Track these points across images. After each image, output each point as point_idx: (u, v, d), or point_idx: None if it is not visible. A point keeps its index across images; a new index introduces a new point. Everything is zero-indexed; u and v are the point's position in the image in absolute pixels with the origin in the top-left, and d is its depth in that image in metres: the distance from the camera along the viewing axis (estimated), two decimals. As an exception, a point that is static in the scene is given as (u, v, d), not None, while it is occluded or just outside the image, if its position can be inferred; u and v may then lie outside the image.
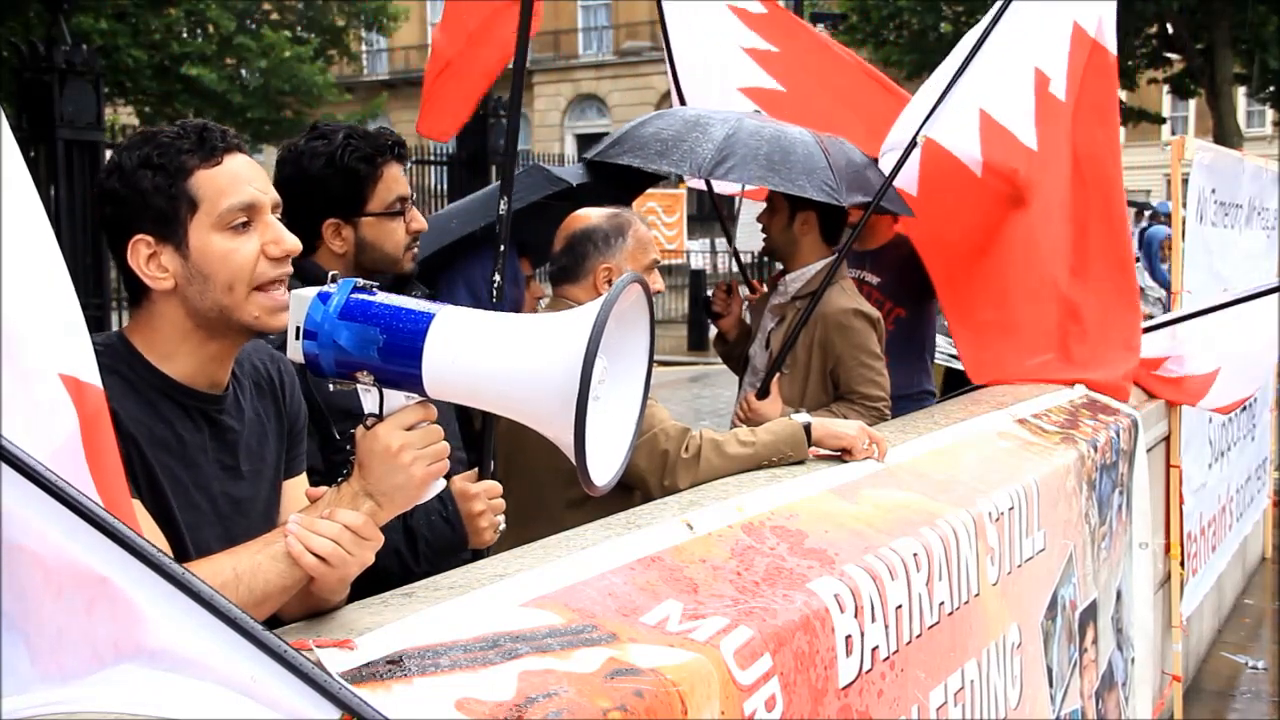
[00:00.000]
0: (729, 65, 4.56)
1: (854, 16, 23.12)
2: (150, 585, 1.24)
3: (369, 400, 1.60)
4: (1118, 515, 3.75)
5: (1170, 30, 22.60)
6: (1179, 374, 4.53)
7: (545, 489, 2.72)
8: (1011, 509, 2.83)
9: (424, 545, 2.29)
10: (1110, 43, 4.13)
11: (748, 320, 4.07)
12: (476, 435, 2.83)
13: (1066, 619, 3.22)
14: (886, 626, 2.18)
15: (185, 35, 20.67)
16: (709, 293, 4.32)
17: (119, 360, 1.70)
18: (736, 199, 4.71)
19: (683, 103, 4.45)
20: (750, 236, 4.69)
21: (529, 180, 3.49)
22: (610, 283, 2.83)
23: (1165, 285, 9.01)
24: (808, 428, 2.71)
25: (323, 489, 1.66)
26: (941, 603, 2.42)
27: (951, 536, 2.50)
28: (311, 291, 1.57)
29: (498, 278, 2.53)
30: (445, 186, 11.62)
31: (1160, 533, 4.55)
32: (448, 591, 1.74)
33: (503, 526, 2.35)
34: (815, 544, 2.22)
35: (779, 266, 3.82)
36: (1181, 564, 4.74)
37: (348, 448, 1.64)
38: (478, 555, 2.17)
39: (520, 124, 3.17)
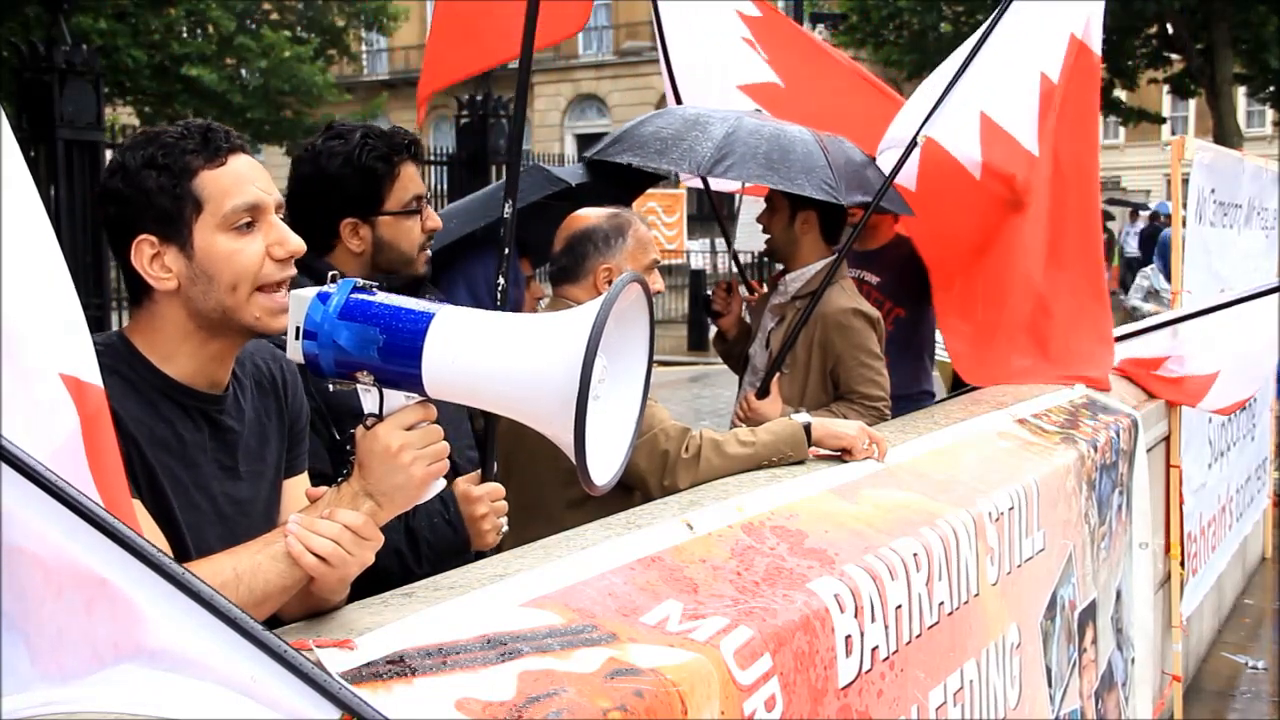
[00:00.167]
0: (729, 62, 4.56)
1: (854, 16, 23.13)
2: (150, 585, 1.24)
3: (369, 400, 1.60)
4: (1117, 515, 3.75)
5: (1170, 30, 22.60)
6: (1179, 374, 4.53)
7: (545, 489, 2.72)
8: (1011, 509, 2.83)
9: (426, 547, 2.29)
10: (1095, 44, 4.13)
11: (747, 320, 4.08)
12: (479, 435, 2.83)
13: (1066, 619, 3.22)
14: (886, 626, 2.18)
15: (185, 35, 20.67)
16: (709, 291, 4.32)
17: (119, 360, 1.70)
18: (736, 199, 4.71)
19: (679, 102, 4.44)
20: (750, 236, 4.69)
21: (529, 180, 3.49)
22: (610, 283, 2.83)
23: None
24: (808, 428, 2.71)
25: (323, 489, 1.66)
26: (941, 603, 2.42)
27: (951, 536, 2.50)
28: (311, 291, 1.57)
29: (501, 280, 2.53)
30: (445, 186, 11.63)
31: (1160, 533, 4.55)
32: (448, 591, 1.74)
33: (505, 529, 2.35)
34: (815, 544, 2.22)
35: (779, 266, 3.82)
36: (1181, 564, 4.74)
37: (348, 448, 1.64)
38: (479, 556, 2.17)
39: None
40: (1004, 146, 3.87)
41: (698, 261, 20.12)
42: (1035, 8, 3.91)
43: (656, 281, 2.97)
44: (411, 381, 1.53)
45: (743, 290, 4.13)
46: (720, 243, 19.52)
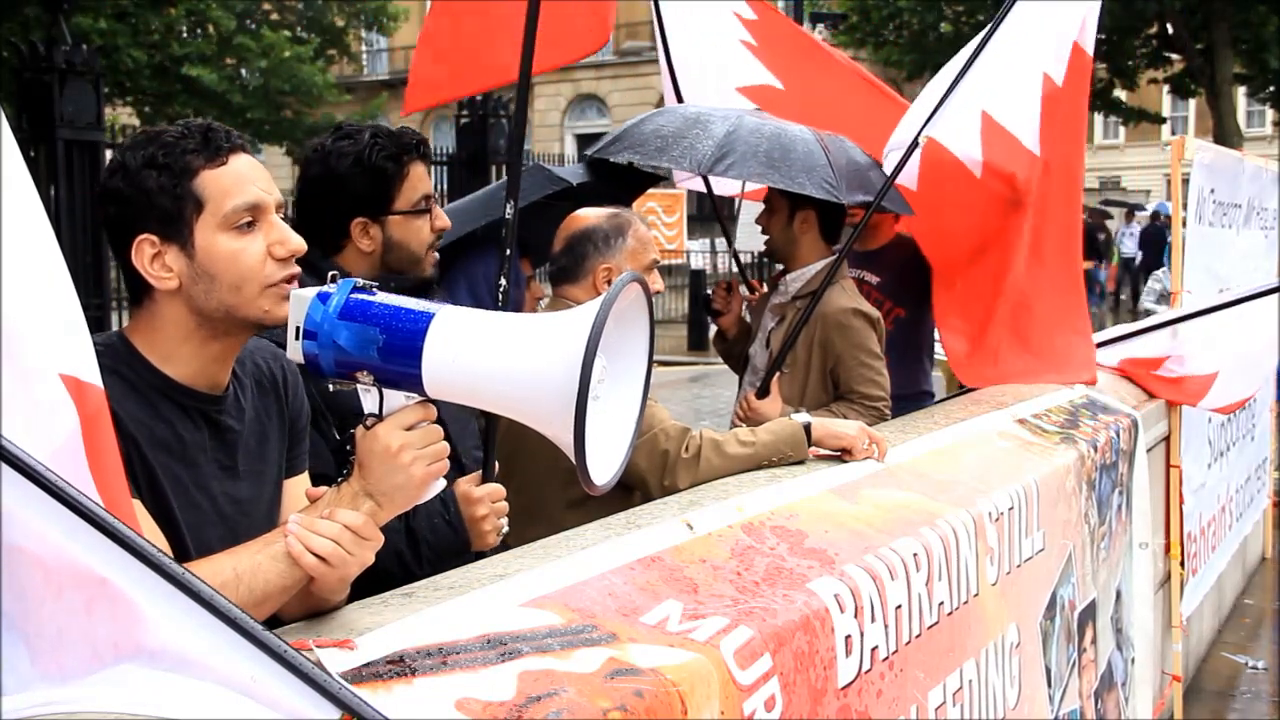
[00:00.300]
0: (728, 64, 4.56)
1: (854, 16, 23.13)
2: (150, 585, 1.24)
3: (369, 400, 1.60)
4: (1117, 515, 3.75)
5: (1170, 30, 22.61)
6: (1179, 374, 4.53)
7: (545, 489, 2.72)
8: (1011, 509, 2.83)
9: (426, 548, 2.29)
10: (1089, 44, 4.14)
11: (747, 319, 4.08)
12: (480, 435, 2.83)
13: (1065, 619, 3.22)
14: (886, 626, 2.18)
15: (185, 35, 20.68)
16: (709, 291, 4.32)
17: (119, 360, 1.70)
18: (736, 199, 4.70)
19: (680, 102, 4.44)
20: (750, 236, 4.69)
21: (530, 180, 3.49)
22: (609, 283, 2.83)
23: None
24: (808, 427, 2.71)
25: (323, 489, 1.66)
26: (941, 603, 2.42)
27: (951, 536, 2.50)
28: (311, 291, 1.57)
29: (503, 282, 2.53)
30: (445, 186, 11.63)
31: (1160, 533, 4.55)
32: (448, 591, 1.74)
33: (505, 529, 2.35)
34: (815, 544, 2.22)
35: (779, 266, 3.82)
36: (1181, 564, 4.74)
37: (348, 448, 1.64)
38: (479, 557, 2.17)
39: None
40: (1005, 146, 3.87)
41: (698, 261, 20.12)
42: (1038, 8, 3.90)
43: (656, 281, 2.96)
44: (411, 381, 1.53)
45: (744, 290, 4.13)
46: (720, 243, 19.52)
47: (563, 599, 1.74)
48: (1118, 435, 3.75)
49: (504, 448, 2.54)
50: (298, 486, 1.91)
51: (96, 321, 8.65)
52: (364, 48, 33.59)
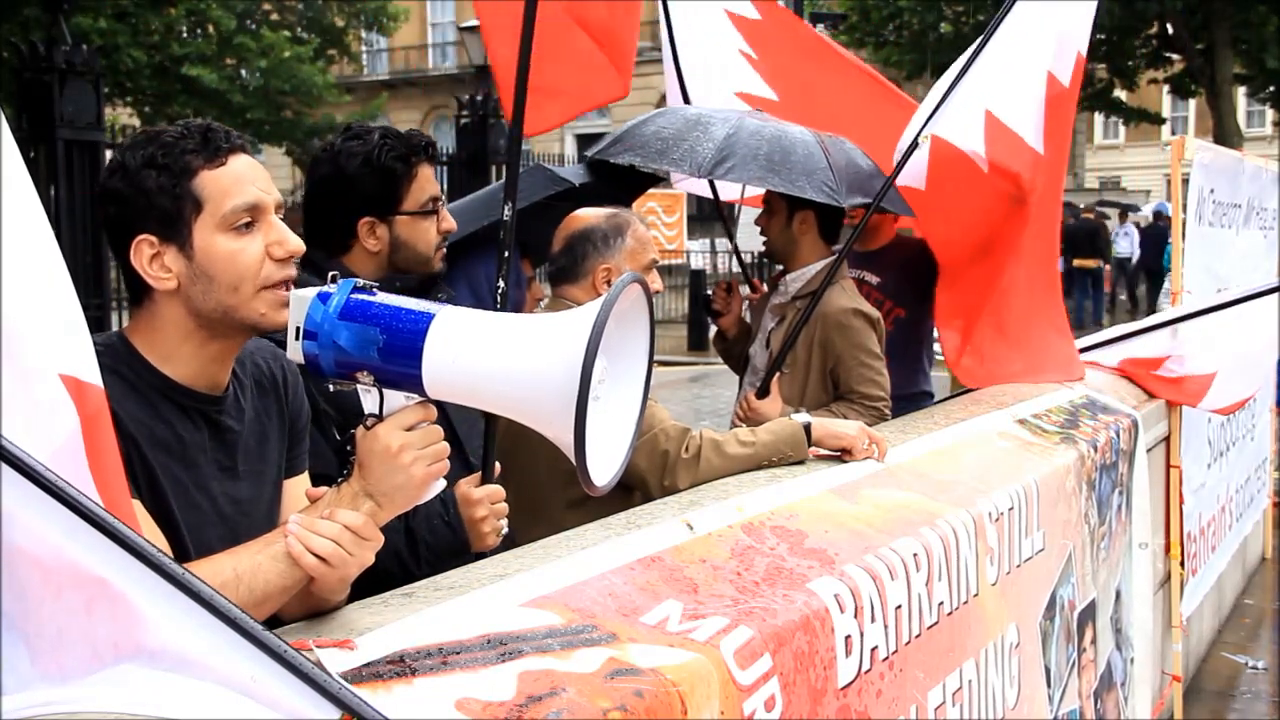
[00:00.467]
0: (728, 67, 4.56)
1: (854, 16, 23.15)
2: (150, 585, 1.24)
3: (369, 400, 1.60)
4: (1117, 515, 3.75)
5: (1170, 30, 22.62)
6: (1179, 374, 4.53)
7: (545, 489, 2.72)
8: (1011, 509, 2.83)
9: (425, 549, 2.29)
10: (1084, 45, 4.14)
11: (748, 319, 4.08)
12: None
13: (1065, 619, 3.22)
14: (886, 627, 2.18)
15: (185, 35, 20.68)
16: (709, 291, 4.32)
17: (119, 360, 1.70)
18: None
19: (686, 102, 4.44)
20: (750, 237, 4.69)
21: (531, 180, 3.49)
22: (609, 283, 2.83)
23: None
24: (808, 428, 2.71)
25: (323, 489, 1.66)
26: (941, 603, 2.42)
27: (951, 536, 2.50)
28: (311, 292, 1.57)
29: (502, 283, 2.54)
30: (445, 186, 11.65)
31: (1160, 533, 4.55)
32: (448, 591, 1.74)
33: (505, 530, 2.35)
34: (815, 544, 2.22)
35: (779, 267, 3.82)
36: (1181, 564, 4.74)
37: (348, 448, 1.64)
38: (479, 557, 2.17)
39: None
40: (1009, 144, 3.86)
41: (698, 261, 20.12)
42: (1038, 7, 3.90)
43: (655, 281, 2.96)
44: (412, 382, 1.53)
45: (746, 289, 4.13)
46: (720, 243, 19.52)
47: (563, 599, 1.74)
48: (1118, 435, 3.75)
49: (504, 447, 2.54)
50: (298, 486, 1.91)
51: (96, 321, 8.65)
52: (364, 48, 33.58)
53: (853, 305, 3.58)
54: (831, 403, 3.54)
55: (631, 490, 2.65)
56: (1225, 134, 20.64)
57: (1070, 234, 20.93)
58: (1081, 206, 23.84)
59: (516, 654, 1.53)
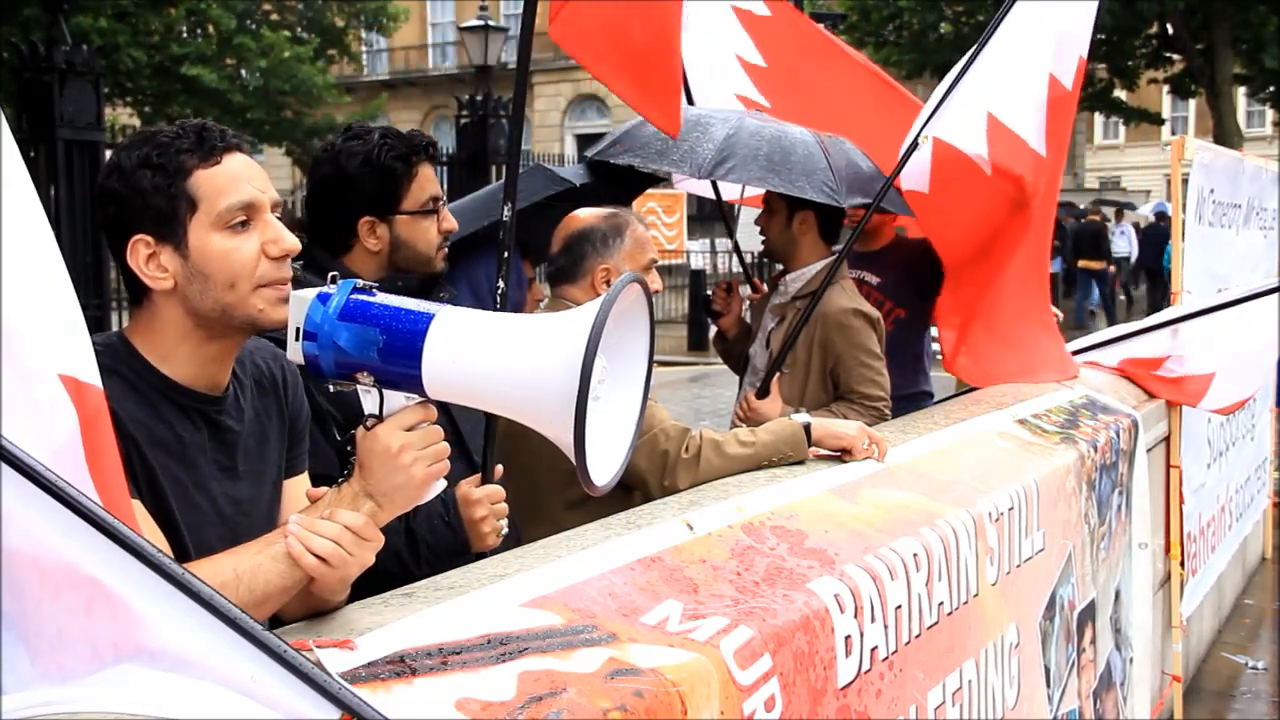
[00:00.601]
0: (727, 68, 4.56)
1: (854, 16, 23.14)
2: (150, 585, 1.24)
3: (369, 401, 1.60)
4: (1117, 515, 3.75)
5: (1170, 30, 22.62)
6: (1179, 374, 4.53)
7: (545, 490, 2.72)
8: (1011, 509, 2.83)
9: (425, 549, 2.29)
10: (1085, 45, 4.13)
11: (748, 320, 4.08)
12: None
13: (1065, 619, 3.22)
14: (886, 627, 2.18)
15: (185, 35, 20.68)
16: (709, 292, 4.32)
17: (119, 360, 1.70)
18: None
19: (690, 101, 4.44)
20: (750, 236, 4.69)
21: (531, 181, 3.49)
22: (608, 283, 2.83)
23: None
24: (807, 428, 2.71)
25: (323, 489, 1.66)
26: (941, 603, 2.42)
27: (951, 536, 2.50)
28: (311, 292, 1.57)
29: (501, 284, 2.54)
30: (445, 186, 11.65)
31: (1160, 533, 4.55)
32: (448, 591, 1.74)
33: (505, 531, 2.35)
34: (815, 544, 2.22)
35: (779, 267, 3.82)
36: (1181, 564, 4.74)
37: (348, 449, 1.64)
38: (479, 557, 2.17)
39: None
40: (1011, 146, 3.86)
41: (698, 261, 20.11)
42: (1039, 7, 3.90)
43: (655, 281, 2.96)
44: (411, 382, 1.53)
45: (747, 289, 4.13)
46: (721, 243, 19.52)
47: (563, 599, 1.74)
48: (1118, 435, 3.75)
49: (504, 448, 2.54)
50: (298, 487, 1.91)
51: (96, 321, 8.66)
52: (364, 48, 33.59)
53: (853, 305, 3.58)
54: (831, 403, 3.54)
55: (631, 490, 2.65)
56: (1225, 134, 20.64)
57: (1075, 235, 20.94)
58: (1082, 207, 23.84)
59: (516, 654, 1.53)
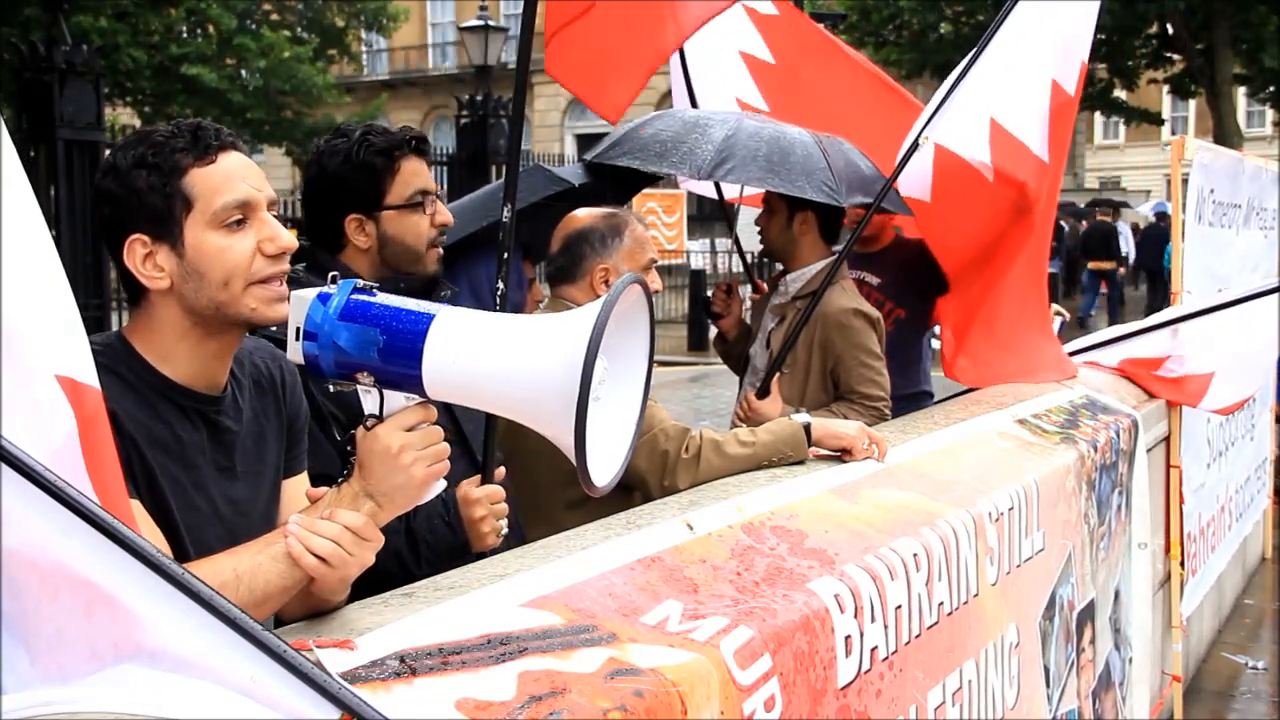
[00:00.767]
0: (731, 70, 4.56)
1: (854, 16, 23.13)
2: (150, 585, 1.24)
3: (369, 401, 1.60)
4: (1117, 515, 3.76)
5: (1170, 30, 22.63)
6: (1179, 374, 4.53)
7: (545, 490, 2.72)
8: (1011, 509, 2.83)
9: (425, 549, 2.29)
10: (1085, 50, 4.13)
11: (748, 320, 4.08)
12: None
13: (1064, 619, 3.22)
14: (886, 627, 2.18)
15: (185, 35, 20.69)
16: (709, 293, 4.32)
17: (118, 361, 1.70)
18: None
19: (694, 103, 4.44)
20: (749, 237, 4.70)
21: (530, 181, 3.49)
22: (607, 283, 2.83)
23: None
24: (807, 428, 2.71)
25: (323, 489, 1.66)
26: (941, 603, 2.42)
27: (951, 536, 2.50)
28: (311, 292, 1.57)
29: (500, 284, 2.54)
30: (445, 186, 11.66)
31: (1160, 533, 4.55)
32: (448, 591, 1.74)
33: (505, 531, 2.35)
34: (815, 544, 2.22)
35: (779, 267, 3.82)
36: (1181, 564, 4.74)
37: (348, 449, 1.64)
38: (480, 557, 2.17)
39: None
40: (1013, 152, 3.85)
41: (698, 261, 20.11)
42: (1039, 8, 3.89)
43: (654, 281, 2.96)
44: (412, 382, 1.53)
45: (748, 289, 4.13)
46: (721, 243, 19.50)
47: (563, 599, 1.74)
48: (1118, 435, 3.75)
49: (504, 448, 2.54)
50: (297, 487, 1.91)
51: (96, 321, 8.66)
52: (364, 48, 33.60)
53: (853, 305, 3.58)
54: (831, 403, 3.54)
55: (631, 490, 2.65)
56: (1225, 134, 20.64)
57: (1084, 236, 20.95)
58: (1083, 206, 23.82)
59: (516, 654, 1.53)
